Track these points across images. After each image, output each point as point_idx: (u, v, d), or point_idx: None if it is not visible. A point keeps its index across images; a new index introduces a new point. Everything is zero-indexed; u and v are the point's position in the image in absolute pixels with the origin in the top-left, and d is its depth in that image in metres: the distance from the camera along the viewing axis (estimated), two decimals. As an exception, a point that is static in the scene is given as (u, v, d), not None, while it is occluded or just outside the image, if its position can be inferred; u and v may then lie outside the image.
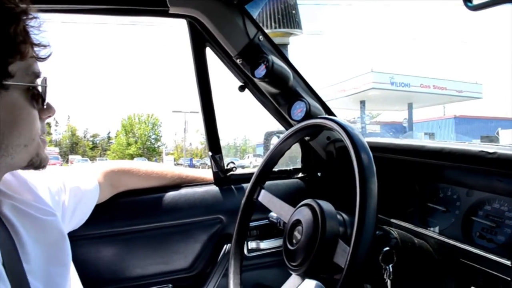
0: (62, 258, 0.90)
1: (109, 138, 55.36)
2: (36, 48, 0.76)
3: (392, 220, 1.28)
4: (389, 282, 0.97)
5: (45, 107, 0.80)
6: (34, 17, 0.74)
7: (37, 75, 0.76)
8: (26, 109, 0.74)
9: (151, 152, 45.37)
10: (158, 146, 47.54)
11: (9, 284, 0.73)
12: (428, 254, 1.12)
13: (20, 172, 0.89)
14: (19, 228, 0.83)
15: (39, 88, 0.77)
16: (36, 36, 0.75)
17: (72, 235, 0.96)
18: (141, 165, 1.45)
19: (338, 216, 0.99)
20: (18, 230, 0.82)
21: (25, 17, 0.72)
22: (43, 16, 0.77)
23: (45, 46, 0.77)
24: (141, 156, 41.66)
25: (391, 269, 0.96)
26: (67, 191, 1.07)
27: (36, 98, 0.76)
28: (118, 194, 1.39)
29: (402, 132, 23.42)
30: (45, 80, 0.78)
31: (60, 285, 0.87)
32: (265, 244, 1.56)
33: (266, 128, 1.83)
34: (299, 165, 1.77)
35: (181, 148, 48.20)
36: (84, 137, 55.27)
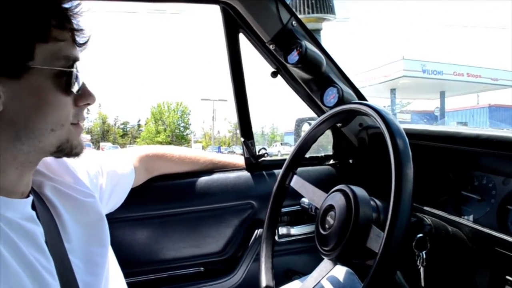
0: (101, 238, 0.93)
1: (139, 125, 56.24)
2: (76, 34, 0.75)
3: (425, 208, 1.26)
4: (422, 269, 0.96)
5: (79, 93, 0.78)
6: (69, 1, 0.73)
7: (71, 59, 0.74)
8: (53, 93, 0.73)
9: (179, 139, 45.86)
10: (187, 134, 48.02)
11: (52, 261, 0.75)
12: (462, 242, 1.11)
13: None
14: (60, 208, 0.85)
15: (72, 73, 0.74)
16: (74, 21, 0.74)
17: (109, 218, 0.98)
18: (175, 150, 1.47)
19: (372, 202, 0.99)
20: (59, 211, 0.85)
21: (59, 1, 0.72)
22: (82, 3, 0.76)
23: (80, 30, 0.75)
24: (170, 143, 42.03)
25: (424, 256, 0.95)
26: (104, 174, 1.10)
27: (68, 83, 0.74)
28: (153, 178, 1.42)
29: (433, 121, 22.92)
30: (76, 66, 0.76)
31: (99, 264, 0.89)
32: (295, 230, 1.58)
33: (293, 117, 1.82)
34: (330, 152, 1.77)
35: (209, 136, 48.55)
36: (115, 124, 56.28)
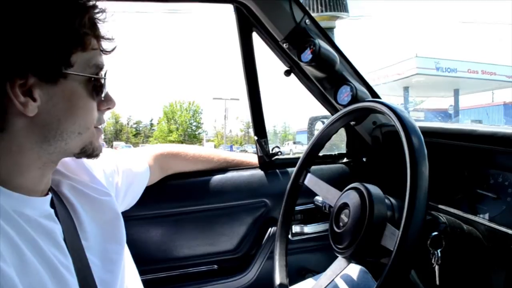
0: (117, 236, 0.94)
1: (151, 125, 56.42)
2: (102, 41, 0.78)
3: (440, 206, 1.25)
4: (437, 268, 0.96)
5: (103, 99, 0.82)
6: (102, 10, 0.76)
7: (99, 67, 0.78)
8: (84, 99, 0.76)
9: (192, 138, 45.95)
10: (199, 133, 48.07)
11: (70, 258, 0.77)
12: (478, 241, 1.10)
13: None
14: (77, 207, 0.87)
15: (101, 80, 0.79)
16: (101, 29, 0.77)
17: (124, 216, 0.99)
18: (189, 149, 1.49)
19: (386, 200, 0.99)
20: (76, 209, 0.86)
21: (92, 10, 0.74)
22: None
23: (109, 39, 0.79)
24: (182, 142, 42.03)
25: (439, 255, 0.95)
26: (120, 173, 1.12)
27: (96, 89, 0.78)
28: (167, 177, 1.43)
29: (447, 119, 22.67)
30: (105, 72, 0.80)
31: (116, 261, 0.91)
32: (309, 228, 1.58)
33: (305, 115, 1.82)
34: (343, 151, 1.76)
35: (221, 135, 48.58)
36: (128, 124, 56.52)
